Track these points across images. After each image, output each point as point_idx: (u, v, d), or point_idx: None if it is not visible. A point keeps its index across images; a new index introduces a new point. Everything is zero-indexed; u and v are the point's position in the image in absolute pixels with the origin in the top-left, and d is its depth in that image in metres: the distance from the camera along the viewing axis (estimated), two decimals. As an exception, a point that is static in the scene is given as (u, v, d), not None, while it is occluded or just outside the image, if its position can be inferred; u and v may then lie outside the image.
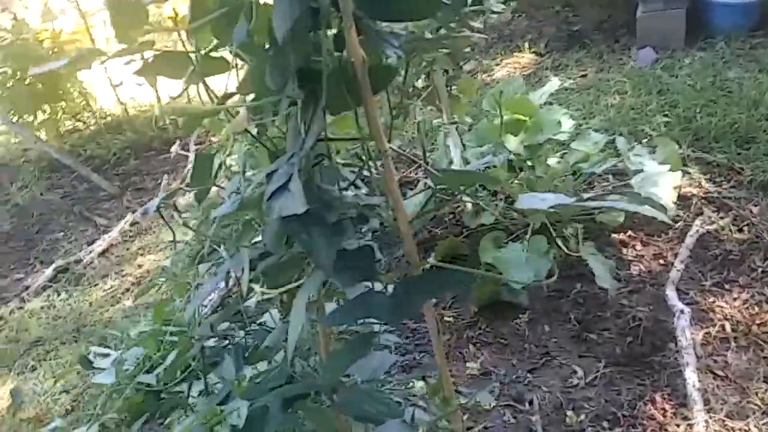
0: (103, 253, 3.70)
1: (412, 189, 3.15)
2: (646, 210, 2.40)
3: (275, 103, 0.72)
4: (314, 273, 0.74)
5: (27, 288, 3.56)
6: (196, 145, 4.57)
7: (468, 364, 2.25)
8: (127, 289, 3.34)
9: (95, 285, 3.45)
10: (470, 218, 2.89)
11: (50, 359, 2.99)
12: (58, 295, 3.44)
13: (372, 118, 0.71)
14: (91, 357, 1.22)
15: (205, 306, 1.25)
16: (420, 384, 0.99)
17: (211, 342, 1.06)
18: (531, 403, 2.07)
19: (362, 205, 0.77)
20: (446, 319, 2.50)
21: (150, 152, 4.75)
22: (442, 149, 2.97)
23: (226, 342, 1.03)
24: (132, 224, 3.91)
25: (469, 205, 2.94)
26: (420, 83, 2.64)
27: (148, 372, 1.15)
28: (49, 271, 3.61)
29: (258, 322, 1.10)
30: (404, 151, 3.76)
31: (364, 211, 0.77)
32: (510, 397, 2.10)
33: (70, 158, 4.53)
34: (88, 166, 4.57)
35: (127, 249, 3.71)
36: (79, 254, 3.71)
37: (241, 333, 1.01)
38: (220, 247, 0.93)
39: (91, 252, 3.70)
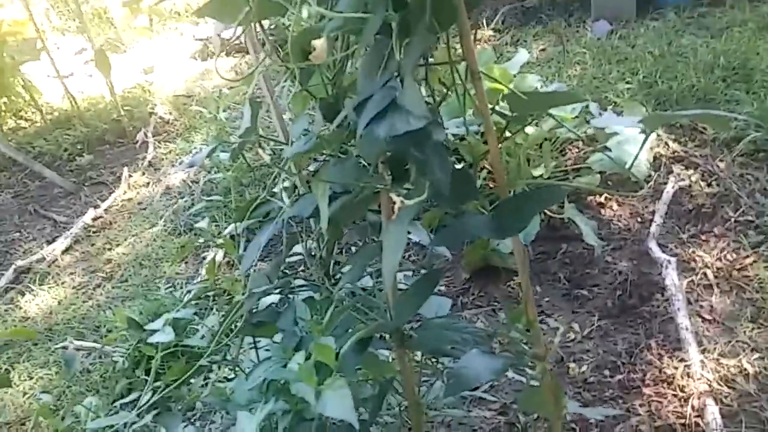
0: (66, 250, 3.54)
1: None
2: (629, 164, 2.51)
3: (357, 32, 0.71)
4: (418, 192, 0.73)
5: (-13, 291, 3.37)
6: (153, 135, 4.43)
7: (466, 329, 2.28)
8: (99, 285, 3.22)
9: (62, 283, 3.31)
10: (450, 190, 2.92)
11: (23, 361, 2.85)
12: (23, 295, 3.27)
13: (466, 37, 0.71)
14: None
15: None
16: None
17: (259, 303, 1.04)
18: (532, 359, 2.12)
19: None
20: (439, 287, 2.53)
21: (104, 146, 4.57)
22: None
23: (277, 300, 1.02)
24: (94, 219, 3.76)
25: (448, 177, 2.98)
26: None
27: (189, 336, 1.12)
28: (9, 273, 3.43)
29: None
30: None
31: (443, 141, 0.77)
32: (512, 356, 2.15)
33: (20, 155, 4.31)
34: (38, 162, 4.36)
35: (93, 244, 3.57)
36: (41, 253, 3.54)
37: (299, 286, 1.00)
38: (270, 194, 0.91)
39: (53, 250, 3.53)
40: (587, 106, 2.88)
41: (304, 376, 0.74)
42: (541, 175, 2.71)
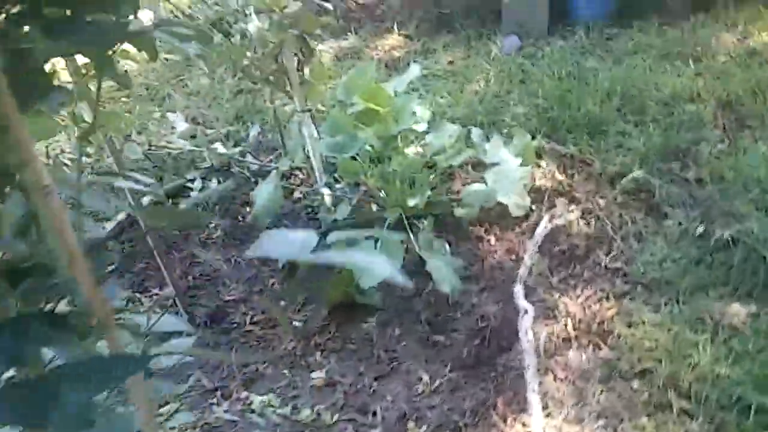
0: None
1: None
2: (503, 198, 2.41)
3: None
4: None
5: None
6: None
7: (313, 374, 2.11)
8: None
9: None
10: (327, 212, 2.74)
11: None
12: None
13: (24, 141, 0.52)
14: None
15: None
16: None
17: None
18: (375, 414, 1.97)
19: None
20: (295, 323, 2.35)
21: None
22: (297, 138, 2.80)
23: None
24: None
25: (327, 199, 2.79)
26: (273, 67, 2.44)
27: None
28: None
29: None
30: (261, 138, 3.52)
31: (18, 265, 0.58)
32: (354, 408, 1.99)
33: None
34: None
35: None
36: None
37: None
38: None
39: None
40: (470, 131, 2.74)
41: None
42: (416, 205, 2.55)
